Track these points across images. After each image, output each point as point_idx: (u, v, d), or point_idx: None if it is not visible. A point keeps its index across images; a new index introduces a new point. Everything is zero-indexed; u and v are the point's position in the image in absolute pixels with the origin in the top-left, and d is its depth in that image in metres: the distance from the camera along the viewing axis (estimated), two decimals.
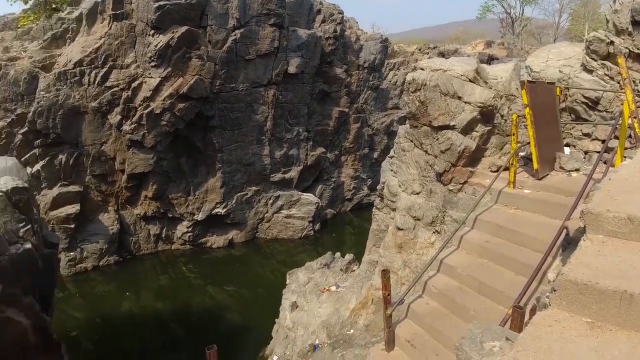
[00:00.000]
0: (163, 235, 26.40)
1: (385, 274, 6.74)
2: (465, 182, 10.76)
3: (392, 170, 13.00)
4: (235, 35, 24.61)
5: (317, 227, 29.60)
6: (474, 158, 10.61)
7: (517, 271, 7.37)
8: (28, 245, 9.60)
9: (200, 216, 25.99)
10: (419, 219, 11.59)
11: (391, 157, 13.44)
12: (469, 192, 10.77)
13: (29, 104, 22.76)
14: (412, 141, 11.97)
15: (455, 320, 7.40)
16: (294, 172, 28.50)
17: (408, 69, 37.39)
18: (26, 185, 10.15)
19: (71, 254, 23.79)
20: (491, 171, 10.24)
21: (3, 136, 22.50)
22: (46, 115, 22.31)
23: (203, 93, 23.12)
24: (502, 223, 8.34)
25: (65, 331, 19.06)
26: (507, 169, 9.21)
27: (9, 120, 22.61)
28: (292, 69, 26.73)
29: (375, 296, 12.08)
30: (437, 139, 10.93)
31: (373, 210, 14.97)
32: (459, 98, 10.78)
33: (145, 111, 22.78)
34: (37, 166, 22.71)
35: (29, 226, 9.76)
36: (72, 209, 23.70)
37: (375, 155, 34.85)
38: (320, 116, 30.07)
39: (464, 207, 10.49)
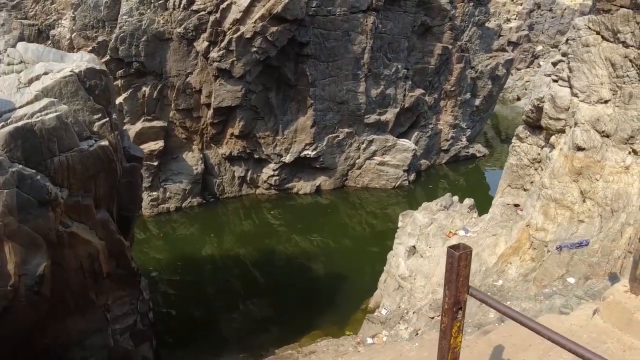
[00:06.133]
0: (248, 178, 24.67)
1: None
2: None
3: (558, 79, 9.89)
4: None
5: (412, 177, 26.76)
6: None
7: None
8: (104, 143, 7.46)
9: (288, 158, 23.89)
10: (607, 136, 8.55)
11: (555, 64, 10.44)
12: None
13: (110, 31, 21.26)
14: (598, 33, 8.93)
15: None
16: (390, 114, 25.57)
17: (500, 20, 32.78)
18: (104, 68, 8.03)
19: (154, 193, 22.66)
20: None
21: None
22: (129, 42, 20.76)
23: (298, 14, 20.53)
24: None
25: (146, 271, 18.03)
26: None
27: (89, 48, 21.07)
28: None
29: (535, 238, 9.17)
30: None
31: (512, 141, 12.77)
32: None
33: (235, 35, 20.64)
34: (120, 99, 21.31)
35: (106, 119, 7.64)
36: (156, 145, 22.39)
37: (477, 102, 31.05)
38: (421, 53, 26.66)
39: None
